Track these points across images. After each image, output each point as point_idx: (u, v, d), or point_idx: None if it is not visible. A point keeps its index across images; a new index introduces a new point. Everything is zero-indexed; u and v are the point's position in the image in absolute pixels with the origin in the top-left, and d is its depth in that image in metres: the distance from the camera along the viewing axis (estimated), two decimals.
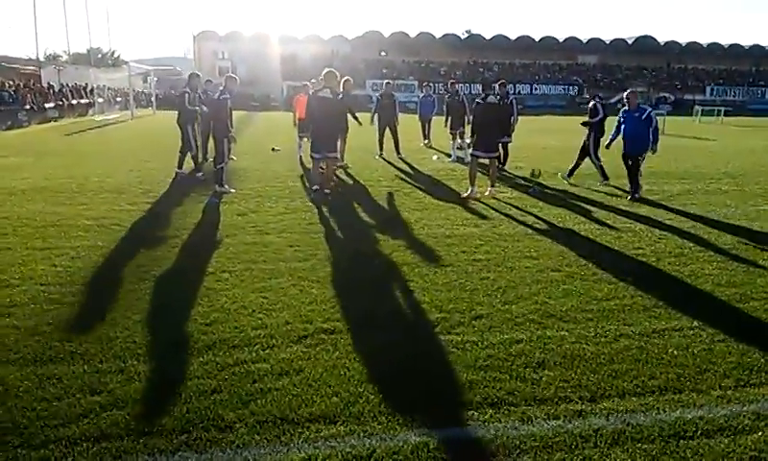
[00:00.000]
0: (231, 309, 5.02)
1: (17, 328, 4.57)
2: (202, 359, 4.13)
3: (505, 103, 12.67)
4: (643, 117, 10.10)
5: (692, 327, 4.80)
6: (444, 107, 15.79)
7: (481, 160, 10.20)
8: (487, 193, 10.08)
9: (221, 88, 10.44)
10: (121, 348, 4.26)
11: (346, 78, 10.14)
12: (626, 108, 10.47)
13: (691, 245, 7.26)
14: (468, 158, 14.96)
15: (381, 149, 15.46)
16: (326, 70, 9.82)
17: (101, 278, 5.78)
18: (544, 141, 20.02)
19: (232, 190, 10.08)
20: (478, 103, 10.15)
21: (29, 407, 3.52)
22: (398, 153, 15.21)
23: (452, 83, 15.91)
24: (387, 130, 15.38)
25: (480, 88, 10.92)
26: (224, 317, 4.85)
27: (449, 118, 15.29)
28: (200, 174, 11.69)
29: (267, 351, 4.26)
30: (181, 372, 3.95)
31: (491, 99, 10.22)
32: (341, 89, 9.91)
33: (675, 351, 4.35)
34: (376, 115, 15.73)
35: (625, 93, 10.65)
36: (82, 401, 3.58)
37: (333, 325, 4.74)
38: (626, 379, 3.95)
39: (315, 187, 9.72)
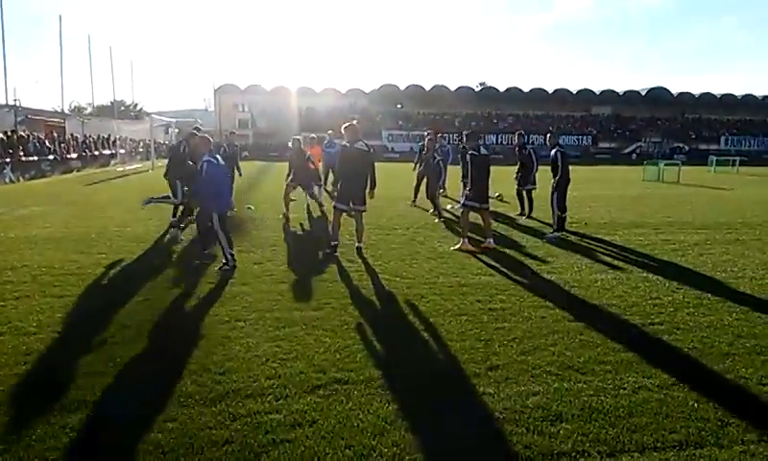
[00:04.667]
0: (245, 358, 5.01)
1: (32, 377, 4.59)
2: (215, 409, 4.11)
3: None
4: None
5: (713, 380, 4.71)
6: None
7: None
8: (485, 244, 9.90)
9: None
10: (134, 397, 4.26)
11: (348, 124, 9.56)
12: None
13: (709, 295, 7.16)
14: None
15: (416, 197, 15.63)
16: (348, 124, 9.51)
17: (116, 326, 5.80)
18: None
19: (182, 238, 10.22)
20: (473, 154, 9.95)
21: (41, 458, 3.51)
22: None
23: (519, 134, 14.81)
24: (425, 179, 15.57)
25: (464, 138, 10.59)
26: (237, 366, 4.84)
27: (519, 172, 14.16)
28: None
29: (280, 402, 4.23)
30: (194, 422, 3.92)
31: (483, 150, 10.22)
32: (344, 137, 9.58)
33: (695, 404, 4.25)
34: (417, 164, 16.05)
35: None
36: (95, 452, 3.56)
37: (347, 375, 4.71)
38: (645, 433, 3.85)
39: (334, 243, 9.38)
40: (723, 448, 3.71)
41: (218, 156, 8.59)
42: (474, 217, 10.30)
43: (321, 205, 13.68)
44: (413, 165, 16.61)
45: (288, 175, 13.51)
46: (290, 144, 14.23)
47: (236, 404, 4.18)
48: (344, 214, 9.49)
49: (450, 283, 7.56)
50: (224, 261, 8.16)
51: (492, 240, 10.02)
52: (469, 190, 9.99)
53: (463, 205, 10.12)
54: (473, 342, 5.48)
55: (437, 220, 12.96)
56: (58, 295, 6.83)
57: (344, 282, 7.61)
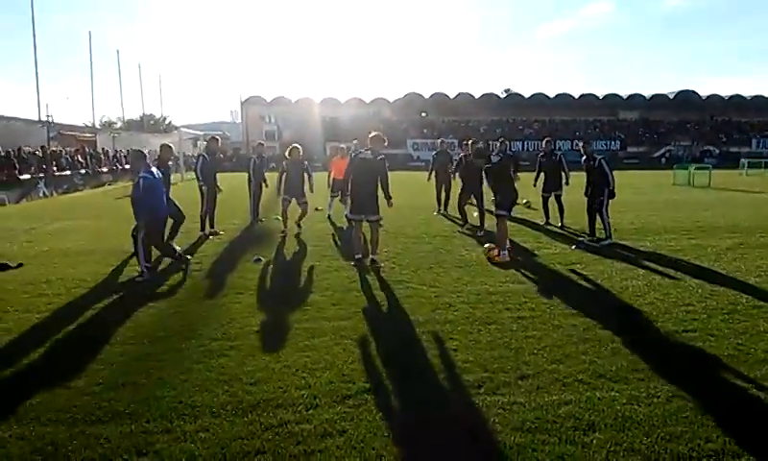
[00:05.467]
0: (276, 369, 5.04)
1: (68, 388, 4.68)
2: (246, 419, 4.14)
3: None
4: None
5: (749, 388, 4.60)
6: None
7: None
8: (505, 253, 9.53)
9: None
10: (168, 407, 4.32)
11: (374, 134, 9.32)
12: None
13: (744, 300, 7.01)
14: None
15: (440, 205, 15.62)
16: (374, 134, 9.35)
17: (149, 338, 5.88)
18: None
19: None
20: (488, 167, 9.85)
21: None
22: (446, 209, 15.42)
23: (547, 140, 14.59)
24: (443, 186, 15.57)
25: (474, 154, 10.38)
26: (268, 376, 4.87)
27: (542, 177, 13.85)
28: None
29: (310, 412, 4.25)
30: (226, 432, 3.96)
31: (495, 158, 10.08)
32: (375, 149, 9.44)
33: (732, 413, 4.16)
34: (433, 173, 15.91)
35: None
36: None
37: (376, 384, 4.71)
38: (681, 442, 3.78)
39: (357, 256, 9.25)
40: (762, 457, 3.62)
41: (154, 169, 8.81)
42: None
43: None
44: (427, 175, 16.30)
45: (279, 188, 12.32)
46: (287, 154, 12.40)
47: (267, 414, 4.21)
48: (362, 224, 9.34)
49: (478, 292, 7.52)
50: (139, 272, 8.47)
51: (498, 251, 9.63)
52: (499, 200, 9.81)
53: (496, 215, 9.84)
54: (503, 351, 5.44)
55: (459, 229, 12.54)
56: (91, 307, 6.96)
57: (371, 292, 7.63)
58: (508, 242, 9.83)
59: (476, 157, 10.12)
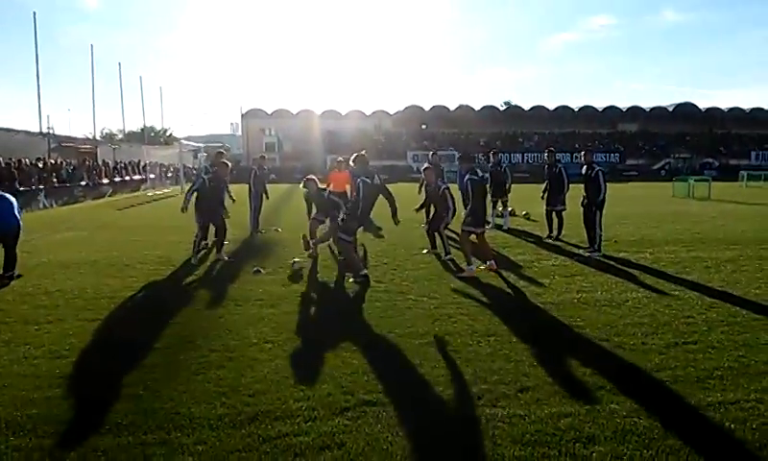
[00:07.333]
0: (274, 380, 5.02)
1: (66, 399, 4.66)
2: (244, 431, 4.11)
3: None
4: None
5: (749, 400, 4.57)
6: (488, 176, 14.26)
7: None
8: (486, 266, 9.55)
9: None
10: (165, 419, 4.29)
11: (356, 154, 9.27)
12: None
13: (744, 313, 6.99)
14: (506, 226, 15.00)
15: (428, 218, 15.51)
16: (356, 155, 9.23)
17: (146, 349, 5.86)
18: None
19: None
20: (473, 179, 9.54)
21: None
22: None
23: (494, 152, 15.19)
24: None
25: (458, 162, 10.29)
26: (266, 388, 4.85)
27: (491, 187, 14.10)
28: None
29: (309, 424, 4.23)
30: (224, 444, 3.94)
31: (480, 172, 9.97)
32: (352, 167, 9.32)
33: (732, 426, 4.14)
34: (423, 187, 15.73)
35: None
36: None
37: (375, 396, 4.69)
38: (681, 456, 3.75)
39: (364, 272, 8.95)
40: None
41: None
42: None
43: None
44: (417, 189, 16.01)
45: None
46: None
47: (265, 427, 4.19)
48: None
49: (478, 303, 7.51)
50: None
51: (494, 262, 9.64)
52: (470, 215, 9.58)
53: (462, 230, 9.69)
54: (503, 363, 5.42)
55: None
56: (90, 318, 6.94)
57: (371, 303, 7.61)
58: (491, 259, 9.72)
59: (463, 164, 10.03)
